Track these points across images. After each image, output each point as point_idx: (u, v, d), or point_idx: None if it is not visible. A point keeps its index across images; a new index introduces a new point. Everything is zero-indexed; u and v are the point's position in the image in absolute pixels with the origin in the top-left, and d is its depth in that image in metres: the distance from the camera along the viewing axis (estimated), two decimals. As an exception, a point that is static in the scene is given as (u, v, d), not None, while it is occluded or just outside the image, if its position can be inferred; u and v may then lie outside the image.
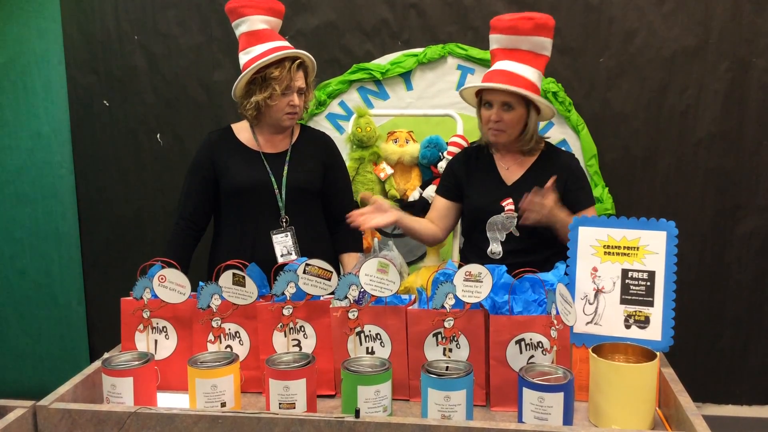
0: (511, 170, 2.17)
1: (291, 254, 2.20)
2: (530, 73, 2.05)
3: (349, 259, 2.33)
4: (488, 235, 2.13)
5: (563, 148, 2.45)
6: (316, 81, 2.30)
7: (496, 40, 2.10)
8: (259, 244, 2.20)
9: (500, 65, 2.07)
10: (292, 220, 2.23)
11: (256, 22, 2.16)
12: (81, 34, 3.29)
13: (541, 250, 2.08)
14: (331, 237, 2.36)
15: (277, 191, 2.21)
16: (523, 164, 2.17)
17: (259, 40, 2.15)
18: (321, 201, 2.33)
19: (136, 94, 3.31)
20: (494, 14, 2.72)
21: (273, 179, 2.21)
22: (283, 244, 2.21)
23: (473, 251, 2.18)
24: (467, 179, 2.21)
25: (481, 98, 2.13)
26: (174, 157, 3.32)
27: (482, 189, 2.18)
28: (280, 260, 2.17)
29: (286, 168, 2.23)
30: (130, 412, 1.37)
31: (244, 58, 2.17)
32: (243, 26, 2.17)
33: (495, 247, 2.13)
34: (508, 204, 2.10)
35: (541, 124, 2.74)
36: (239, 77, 2.15)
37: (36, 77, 3.34)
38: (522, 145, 2.14)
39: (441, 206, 2.27)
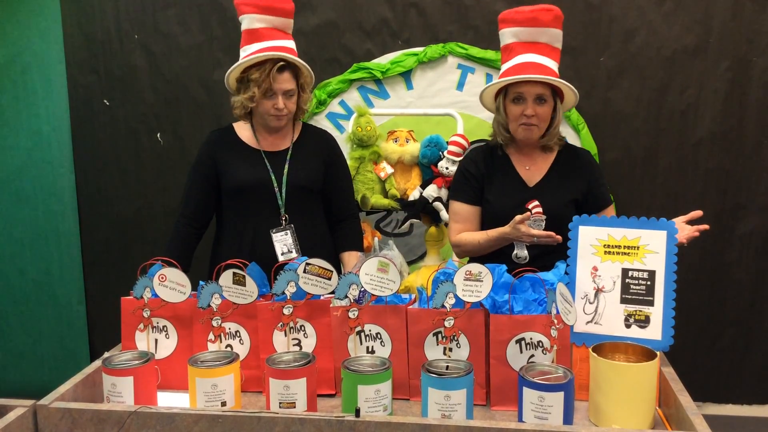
0: (531, 170, 2.11)
1: (291, 252, 2.20)
2: (554, 65, 2.03)
3: (350, 257, 2.32)
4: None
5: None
6: (315, 81, 2.29)
7: (512, 34, 2.04)
8: (260, 243, 2.20)
9: (524, 58, 2.01)
10: (292, 218, 2.23)
11: (253, 21, 2.16)
12: (81, 34, 3.29)
13: (565, 250, 2.03)
14: (332, 235, 2.36)
15: (277, 190, 2.21)
16: (543, 163, 2.12)
17: (255, 39, 2.15)
18: (322, 199, 2.33)
19: (136, 94, 3.30)
20: (494, 13, 2.72)
21: (273, 178, 2.21)
22: (283, 242, 2.21)
23: (494, 256, 2.07)
24: (488, 181, 2.12)
25: (506, 94, 2.05)
26: (174, 156, 3.32)
27: (504, 192, 2.10)
28: (281, 259, 2.17)
29: (286, 167, 2.23)
30: (130, 412, 1.37)
31: (241, 54, 2.18)
32: (244, 23, 2.19)
33: (521, 251, 2.05)
34: (534, 206, 2.02)
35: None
36: (225, 75, 2.18)
37: (36, 77, 3.34)
38: (548, 140, 2.08)
39: (471, 215, 2.14)
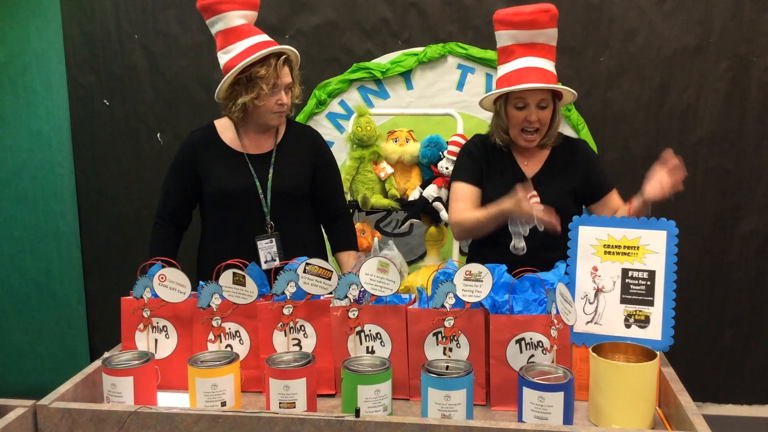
0: (530, 164, 2.13)
1: (275, 260, 2.13)
2: (552, 66, 2.04)
3: (348, 257, 2.27)
4: (511, 230, 2.06)
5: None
6: (302, 74, 2.21)
7: (511, 36, 2.03)
8: (244, 250, 2.07)
9: (525, 62, 2.02)
10: (277, 225, 2.15)
11: (234, 18, 2.06)
12: (81, 34, 3.29)
13: (565, 246, 2.03)
14: (326, 235, 2.33)
15: (261, 196, 2.13)
16: (540, 156, 2.14)
17: (239, 36, 2.05)
18: (312, 201, 2.24)
19: (136, 94, 3.31)
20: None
21: (258, 183, 2.13)
22: (267, 250, 2.13)
23: (492, 247, 2.10)
24: (486, 170, 2.14)
25: (507, 99, 2.05)
26: (174, 156, 3.31)
27: (503, 183, 2.08)
28: (264, 267, 2.09)
29: (271, 171, 2.15)
30: (130, 412, 1.37)
31: (224, 57, 2.07)
32: (219, 24, 2.07)
33: (518, 243, 2.06)
34: (532, 197, 2.00)
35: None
36: (223, 79, 2.06)
37: (36, 76, 3.34)
38: (546, 140, 2.10)
39: (474, 194, 2.12)
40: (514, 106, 2.04)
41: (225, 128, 2.20)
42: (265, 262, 2.12)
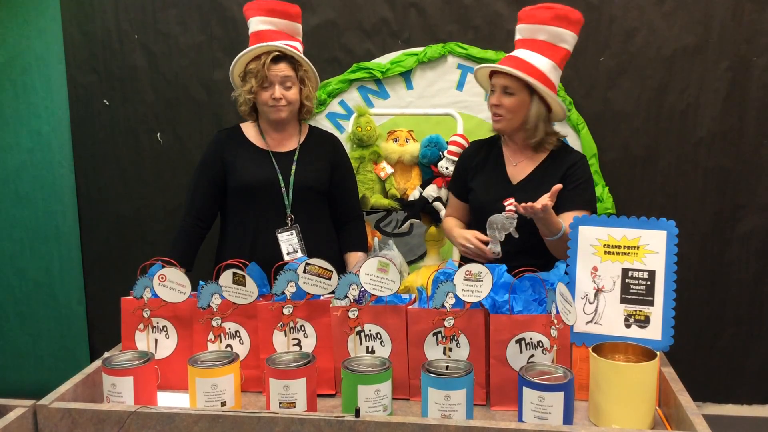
0: (518, 167, 2.15)
1: (297, 252, 2.22)
2: (542, 62, 2.03)
3: (354, 258, 2.34)
4: (488, 233, 2.10)
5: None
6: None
7: (519, 31, 2.11)
8: (265, 242, 2.22)
9: (515, 53, 2.08)
10: (297, 218, 2.25)
11: (256, 23, 2.24)
12: (81, 34, 3.29)
13: (543, 254, 2.04)
14: (337, 236, 2.37)
15: (284, 189, 2.23)
16: (531, 162, 2.15)
17: (259, 40, 2.21)
18: (327, 201, 2.35)
19: (136, 94, 3.30)
20: (494, 14, 2.71)
21: (280, 177, 2.23)
22: (288, 242, 2.23)
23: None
24: (473, 173, 2.22)
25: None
26: (174, 156, 3.31)
27: (487, 186, 2.16)
28: (286, 258, 2.18)
29: (294, 167, 2.25)
30: (130, 412, 1.37)
31: None
32: (250, 27, 2.26)
33: (494, 247, 2.07)
34: (509, 204, 2.04)
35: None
36: (230, 71, 2.26)
37: (36, 76, 3.34)
38: (527, 138, 2.11)
39: (459, 206, 2.31)
40: (490, 90, 2.14)
41: (250, 128, 2.34)
42: (287, 253, 2.21)
